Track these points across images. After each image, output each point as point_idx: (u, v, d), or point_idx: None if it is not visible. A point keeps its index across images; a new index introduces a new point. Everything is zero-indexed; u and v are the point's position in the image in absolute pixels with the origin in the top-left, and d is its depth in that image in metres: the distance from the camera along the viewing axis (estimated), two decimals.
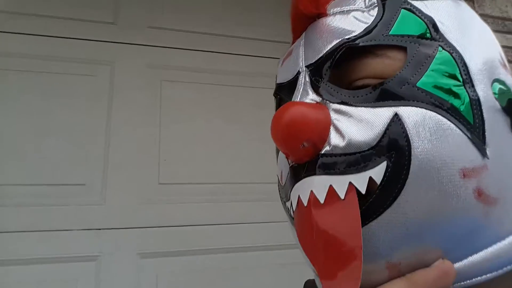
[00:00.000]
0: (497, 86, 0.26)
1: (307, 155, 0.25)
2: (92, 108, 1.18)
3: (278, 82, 0.33)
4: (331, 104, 0.26)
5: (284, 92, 0.32)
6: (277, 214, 1.21)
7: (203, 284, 1.09)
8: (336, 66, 0.28)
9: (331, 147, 0.25)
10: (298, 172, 0.26)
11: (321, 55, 0.28)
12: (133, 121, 1.21)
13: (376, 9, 0.28)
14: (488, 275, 0.24)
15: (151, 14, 1.36)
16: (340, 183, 0.24)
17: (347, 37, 0.27)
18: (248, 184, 1.24)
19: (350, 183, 0.23)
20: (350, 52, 0.27)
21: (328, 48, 0.28)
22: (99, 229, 1.07)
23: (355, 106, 0.26)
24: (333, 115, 0.26)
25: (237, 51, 1.41)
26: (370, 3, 0.28)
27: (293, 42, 0.33)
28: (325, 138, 0.25)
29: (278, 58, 1.34)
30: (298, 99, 0.28)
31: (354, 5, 0.29)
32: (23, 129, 1.10)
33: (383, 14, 0.27)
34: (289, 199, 0.28)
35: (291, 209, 0.28)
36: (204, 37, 1.38)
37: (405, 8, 0.27)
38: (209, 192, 1.20)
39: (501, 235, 0.25)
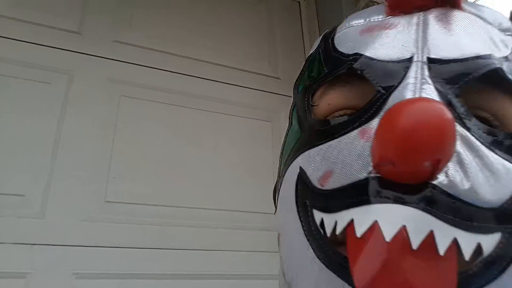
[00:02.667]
0: None
1: (417, 179, 0.19)
2: (42, 115, 1.14)
3: (366, 53, 0.25)
4: (457, 126, 0.20)
5: (376, 74, 0.24)
6: (224, 242, 1.21)
7: None
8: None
9: (448, 181, 0.19)
10: (384, 189, 0.19)
11: (455, 57, 0.23)
12: (85, 133, 1.17)
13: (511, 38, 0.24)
14: None
15: (118, 28, 1.35)
16: (444, 234, 0.18)
17: (492, 54, 0.23)
18: (198, 209, 1.23)
19: (455, 240, 0.18)
20: (490, 76, 0.22)
21: (468, 54, 0.23)
22: (34, 244, 1.01)
23: (487, 146, 0.21)
24: (458, 140, 0.20)
25: (201, 75, 1.42)
26: (505, 27, 0.25)
27: (390, 14, 0.27)
28: (447, 163, 0.19)
29: (242, 87, 1.37)
30: (420, 95, 0.21)
31: (488, 17, 0.25)
32: None
33: None
34: (332, 212, 0.22)
35: (332, 228, 0.21)
36: (169, 57, 1.39)
37: None
38: (157, 214, 1.17)
39: None
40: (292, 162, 0.27)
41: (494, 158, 0.20)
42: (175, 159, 1.26)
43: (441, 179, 0.19)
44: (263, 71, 1.55)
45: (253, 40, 1.59)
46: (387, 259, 0.18)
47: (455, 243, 0.18)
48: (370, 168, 0.21)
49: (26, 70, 1.17)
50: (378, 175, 0.20)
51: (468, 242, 0.19)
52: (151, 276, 1.09)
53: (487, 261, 0.19)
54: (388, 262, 0.18)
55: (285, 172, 0.28)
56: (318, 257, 0.22)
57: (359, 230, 0.19)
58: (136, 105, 1.28)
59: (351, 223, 0.20)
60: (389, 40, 0.25)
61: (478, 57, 0.22)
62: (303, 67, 0.31)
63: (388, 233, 0.18)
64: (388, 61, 0.24)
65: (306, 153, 0.25)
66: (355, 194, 0.21)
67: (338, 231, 0.21)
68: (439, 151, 0.18)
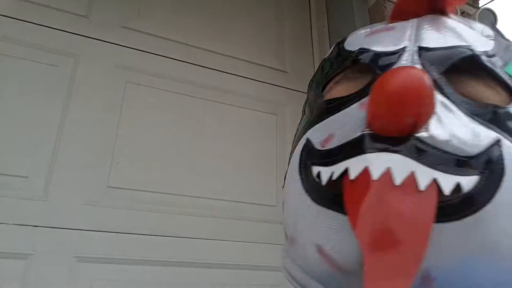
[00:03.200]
0: None
1: (402, 130, 0.23)
2: (48, 98, 1.13)
3: (368, 48, 0.29)
4: (437, 93, 0.25)
5: (375, 61, 0.28)
6: (224, 232, 1.22)
7: None
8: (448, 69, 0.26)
9: (428, 134, 0.23)
10: (375, 142, 0.23)
11: (441, 46, 0.27)
12: (90, 118, 1.17)
13: (492, 42, 0.28)
14: None
15: (126, 14, 1.34)
16: (424, 174, 0.22)
17: (474, 46, 0.27)
18: (199, 198, 1.23)
19: (435, 180, 0.22)
20: (469, 62, 0.26)
21: (452, 44, 0.27)
22: (36, 226, 1.01)
23: (462, 111, 0.24)
24: (438, 105, 0.24)
25: (208, 65, 1.41)
26: (487, 34, 0.29)
27: (391, 22, 0.32)
28: (427, 120, 0.23)
29: (248, 78, 1.37)
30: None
31: (473, 25, 0.29)
32: None
33: (498, 49, 0.28)
34: (329, 165, 0.25)
35: (329, 176, 0.25)
36: (177, 45, 1.38)
37: None
38: (159, 201, 1.17)
39: None
40: (300, 139, 0.30)
41: (469, 120, 0.24)
42: (179, 147, 1.26)
43: (422, 133, 0.23)
44: (270, 64, 1.55)
45: (262, 33, 1.58)
46: (373, 193, 0.22)
47: (435, 182, 0.22)
48: (363, 127, 0.25)
49: (33, 51, 1.16)
50: (370, 131, 0.24)
51: (447, 181, 0.22)
52: (151, 263, 1.10)
53: (467, 196, 0.22)
54: (374, 196, 0.22)
55: (294, 150, 0.32)
56: (314, 200, 0.26)
57: (352, 174, 0.23)
58: (141, 92, 1.27)
59: (346, 171, 0.24)
60: (387, 38, 0.29)
61: (460, 46, 0.27)
62: (318, 68, 0.36)
63: (376, 174, 0.22)
64: (385, 52, 0.28)
65: (313, 128, 0.29)
66: (350, 149, 0.25)
67: (334, 177, 0.24)
68: (419, 105, 0.22)
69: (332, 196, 0.25)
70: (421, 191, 0.21)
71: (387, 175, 0.22)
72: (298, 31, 1.68)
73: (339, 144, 0.26)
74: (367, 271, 0.20)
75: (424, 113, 0.23)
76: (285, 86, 1.54)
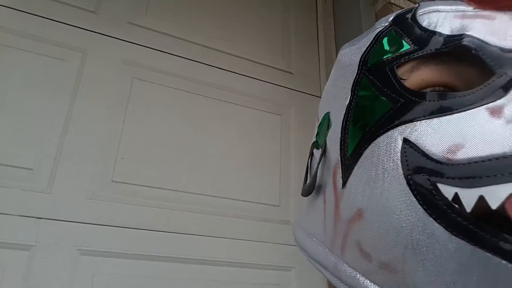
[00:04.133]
0: None
1: None
2: (55, 92, 1.14)
3: (477, 35, 0.24)
4: None
5: (488, 53, 0.23)
6: (227, 230, 1.22)
7: None
8: None
9: None
10: None
11: None
12: (96, 113, 1.17)
13: None
14: None
15: (134, 10, 1.35)
16: None
17: None
18: (202, 195, 1.23)
19: None
20: None
21: None
22: (40, 218, 1.01)
23: None
24: None
25: (214, 63, 1.42)
26: None
27: (479, 7, 0.26)
28: None
29: (254, 78, 1.38)
30: None
31: None
32: None
33: None
34: (471, 186, 0.20)
35: (474, 202, 0.20)
36: (183, 43, 1.39)
37: None
38: (163, 197, 1.17)
39: None
40: (383, 134, 0.25)
41: None
42: (183, 144, 1.26)
43: None
44: (276, 64, 1.55)
45: (268, 33, 1.59)
46: None
47: None
48: None
49: (40, 45, 1.17)
50: None
51: None
52: (153, 258, 1.10)
53: None
54: None
55: (366, 146, 0.26)
56: (454, 233, 0.20)
57: None
58: (148, 89, 1.28)
59: (509, 199, 0.18)
60: (495, 29, 0.24)
61: None
62: (372, 42, 0.30)
63: None
64: (500, 48, 0.23)
65: (411, 124, 0.23)
66: (504, 169, 0.19)
67: (494, 206, 0.19)
68: None
69: (491, 234, 0.19)
70: None
71: None
72: (304, 32, 1.68)
73: (479, 159, 0.20)
74: None
75: None
76: (290, 87, 1.54)
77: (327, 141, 0.31)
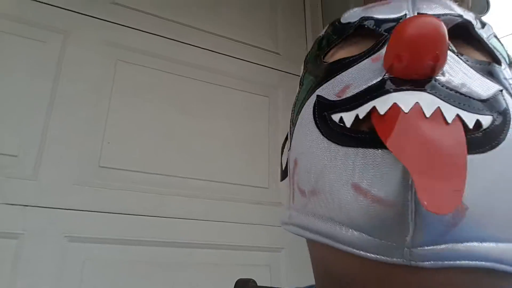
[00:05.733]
0: None
1: (423, 72, 0.24)
2: (36, 75, 1.10)
3: (372, 16, 0.31)
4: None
5: (380, 26, 0.30)
6: (216, 213, 1.22)
7: (131, 275, 1.06)
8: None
9: (445, 78, 0.25)
10: (399, 84, 0.25)
11: (437, 13, 0.29)
12: (80, 96, 1.14)
13: (477, 20, 0.32)
14: None
15: None
16: (449, 110, 0.23)
17: (464, 16, 0.30)
18: (190, 179, 1.23)
19: (458, 115, 0.23)
20: (463, 28, 0.29)
21: (447, 12, 0.30)
22: (26, 205, 0.99)
23: (466, 63, 0.27)
24: (448, 57, 0.26)
25: (200, 44, 1.39)
26: (470, 14, 0.32)
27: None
28: (443, 65, 0.24)
29: (241, 59, 1.36)
30: None
31: (460, 6, 0.32)
32: None
33: (480, 26, 0.31)
34: (351, 109, 0.26)
35: (353, 118, 0.26)
36: (169, 24, 1.36)
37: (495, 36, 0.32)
38: (151, 182, 1.17)
39: None
40: (307, 100, 0.31)
41: (474, 71, 0.26)
42: (170, 127, 1.25)
43: (440, 77, 0.25)
44: (263, 45, 1.53)
45: (254, 13, 1.56)
46: (405, 121, 0.23)
47: (458, 117, 0.23)
48: (383, 72, 0.26)
49: (19, 26, 1.12)
50: (390, 76, 0.25)
51: (469, 117, 0.23)
52: (143, 243, 1.10)
53: (487, 131, 0.24)
54: (408, 126, 0.22)
55: (300, 111, 0.32)
56: (340, 144, 0.26)
57: (382, 110, 0.24)
58: (132, 71, 1.25)
59: (373, 109, 0.24)
60: (386, 9, 0.31)
61: (454, 15, 0.30)
62: (312, 46, 0.37)
63: (406, 108, 0.23)
64: (388, 18, 0.30)
65: (321, 87, 0.30)
66: (373, 92, 0.25)
67: (361, 116, 0.25)
68: (438, 47, 0.23)
69: (361, 135, 0.25)
70: (449, 124, 0.23)
71: (417, 108, 0.23)
72: (291, 13, 1.66)
73: (359, 90, 0.26)
74: (420, 190, 0.21)
75: (442, 56, 0.24)
76: (277, 68, 1.53)
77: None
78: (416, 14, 0.30)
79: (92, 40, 1.22)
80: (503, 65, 0.29)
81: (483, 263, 0.22)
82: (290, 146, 0.33)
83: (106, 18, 1.26)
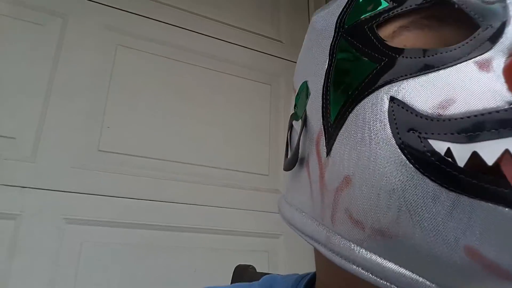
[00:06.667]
0: None
1: None
2: (35, 58, 1.10)
3: None
4: None
5: (473, 6, 0.22)
6: (214, 198, 1.22)
7: (129, 258, 1.06)
8: None
9: None
10: None
11: None
12: (79, 80, 1.14)
13: None
14: None
15: None
16: None
17: None
18: (190, 164, 1.22)
19: None
20: None
21: None
22: (24, 187, 0.99)
23: None
24: None
25: (202, 31, 1.38)
26: None
27: None
28: None
29: (243, 47, 1.34)
30: None
31: None
32: None
33: None
34: (465, 141, 0.19)
35: (468, 157, 0.19)
36: (170, 9, 1.34)
37: None
38: (150, 167, 1.16)
39: None
40: (367, 97, 0.23)
41: None
42: (170, 113, 1.24)
43: None
44: (265, 32, 1.52)
45: (257, 0, 1.54)
46: None
47: None
48: (510, 98, 0.19)
49: (16, 8, 1.12)
50: None
51: None
52: (141, 226, 1.10)
53: None
54: None
55: (350, 110, 0.24)
56: (451, 188, 0.19)
57: (490, 159, 0.18)
58: (133, 56, 1.24)
59: (505, 154, 0.18)
60: None
61: None
62: (345, 4, 0.28)
63: None
64: (482, 1, 0.22)
65: (397, 83, 0.22)
66: (498, 123, 0.18)
67: (490, 162, 0.18)
68: None
69: (487, 186, 0.18)
70: None
71: None
72: (294, 0, 1.64)
73: (472, 113, 0.19)
74: None
75: None
76: (280, 56, 1.51)
77: (307, 111, 0.29)
78: None
79: (91, 24, 1.21)
80: None
81: None
82: (328, 151, 0.26)
83: (106, 2, 1.25)
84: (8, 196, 0.97)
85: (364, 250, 0.23)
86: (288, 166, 0.31)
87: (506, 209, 0.17)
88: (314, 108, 0.28)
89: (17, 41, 1.09)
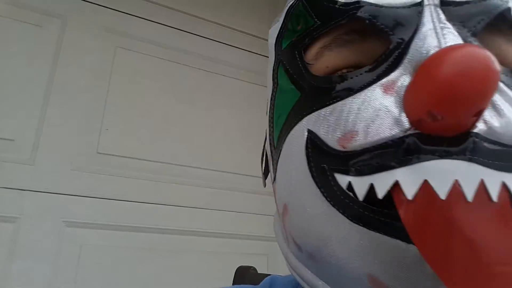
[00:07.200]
0: None
1: (462, 129, 0.18)
2: (34, 60, 1.09)
3: (368, 1, 0.22)
4: None
5: (385, 19, 0.21)
6: (214, 201, 1.22)
7: (128, 261, 1.05)
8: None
9: (487, 127, 0.18)
10: (428, 145, 0.18)
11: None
12: (79, 82, 1.13)
13: None
14: None
15: None
16: (493, 180, 0.18)
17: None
18: (188, 167, 1.22)
19: (504, 184, 0.18)
20: (502, 18, 0.21)
21: None
22: (23, 190, 0.99)
23: (510, 87, 0.20)
24: None
25: (201, 33, 1.38)
26: None
27: None
28: (484, 109, 0.18)
29: (242, 49, 1.34)
30: (445, 42, 0.19)
31: None
32: None
33: None
34: (363, 174, 0.19)
35: (366, 191, 0.19)
36: (169, 12, 1.34)
37: None
38: (149, 169, 1.16)
39: None
40: (294, 126, 0.24)
41: None
42: (169, 115, 1.24)
43: (480, 126, 0.18)
44: (264, 35, 1.52)
45: (255, 2, 1.54)
46: (447, 218, 0.17)
47: (505, 188, 0.18)
48: (406, 125, 0.18)
49: (15, 10, 1.11)
50: (416, 131, 0.18)
51: None
52: (140, 229, 1.10)
53: None
54: (445, 221, 0.17)
55: (284, 139, 0.25)
56: (353, 221, 0.20)
57: (410, 192, 0.18)
58: (132, 58, 1.24)
59: (396, 185, 0.18)
60: None
61: None
62: (284, 20, 0.28)
63: (442, 191, 0.17)
64: (397, 7, 0.21)
65: (315, 114, 0.22)
66: (394, 154, 0.18)
67: (380, 195, 0.18)
68: (485, 101, 0.17)
69: (382, 219, 0.19)
70: (495, 203, 0.17)
71: (456, 191, 0.17)
72: None
73: (369, 145, 0.19)
74: None
75: (486, 105, 0.17)
76: None
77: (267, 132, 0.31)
78: (438, 1, 0.21)
79: (91, 26, 1.20)
80: None
81: None
82: (274, 177, 0.27)
83: (105, 4, 1.24)
84: (7, 199, 0.96)
85: (306, 269, 0.24)
86: (264, 182, 0.33)
87: (398, 240, 0.18)
88: (267, 131, 0.29)
89: (15, 42, 1.08)
